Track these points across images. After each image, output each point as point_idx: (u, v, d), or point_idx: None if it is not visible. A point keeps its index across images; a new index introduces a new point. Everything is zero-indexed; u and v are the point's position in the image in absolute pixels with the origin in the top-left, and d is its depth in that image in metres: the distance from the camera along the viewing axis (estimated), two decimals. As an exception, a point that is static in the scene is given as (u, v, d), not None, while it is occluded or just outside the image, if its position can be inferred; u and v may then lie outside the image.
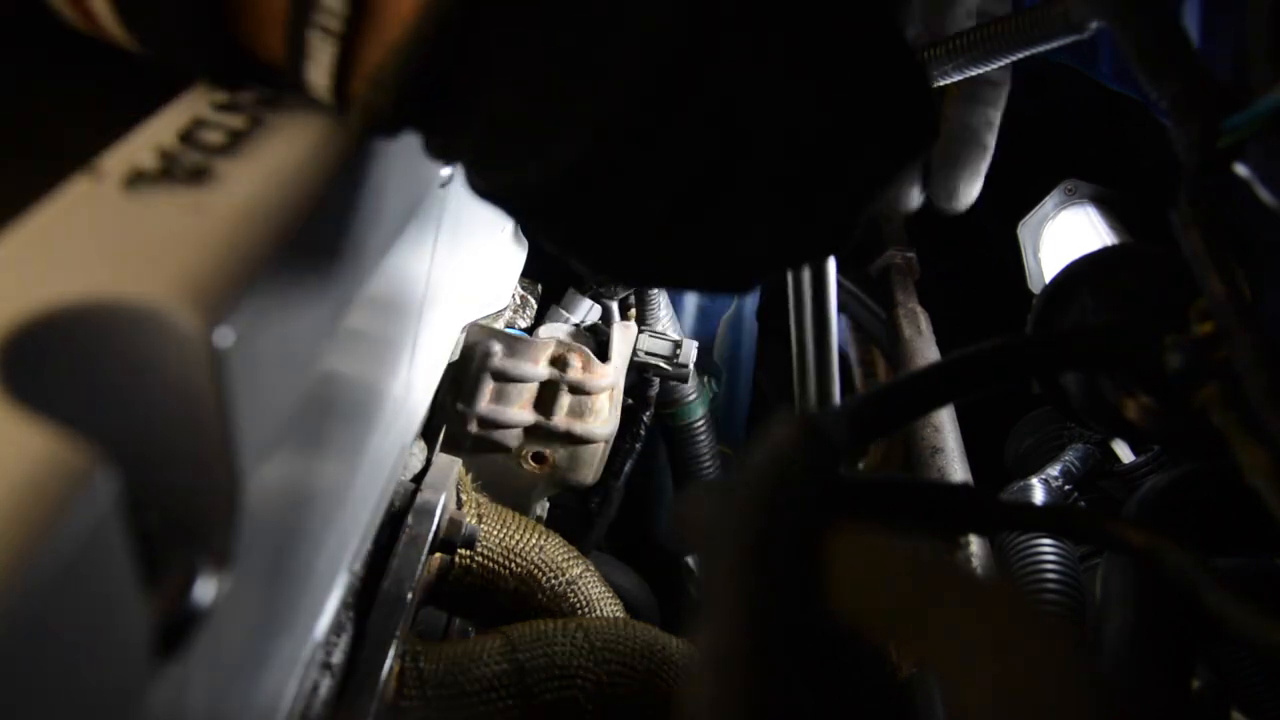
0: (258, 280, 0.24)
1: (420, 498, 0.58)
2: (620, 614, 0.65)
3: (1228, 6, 0.36)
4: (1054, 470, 0.71)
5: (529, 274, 0.85)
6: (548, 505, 0.80)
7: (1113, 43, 0.67)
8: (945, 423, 0.73)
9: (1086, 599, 0.58)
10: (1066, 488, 0.70)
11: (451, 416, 0.68)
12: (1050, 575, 0.58)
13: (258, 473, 0.26)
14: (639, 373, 0.86)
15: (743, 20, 0.26)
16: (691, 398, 1.01)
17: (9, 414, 0.18)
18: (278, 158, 0.27)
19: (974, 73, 0.59)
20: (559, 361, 0.71)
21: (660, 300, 1.01)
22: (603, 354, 0.78)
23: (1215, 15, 0.37)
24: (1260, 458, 0.26)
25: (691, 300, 1.12)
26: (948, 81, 0.60)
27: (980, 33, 0.56)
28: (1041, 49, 0.55)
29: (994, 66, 0.57)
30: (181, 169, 0.25)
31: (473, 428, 0.68)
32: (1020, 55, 0.56)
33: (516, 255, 0.80)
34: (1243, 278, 0.29)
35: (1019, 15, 0.54)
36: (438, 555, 0.60)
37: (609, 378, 0.73)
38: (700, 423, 1.03)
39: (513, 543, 0.63)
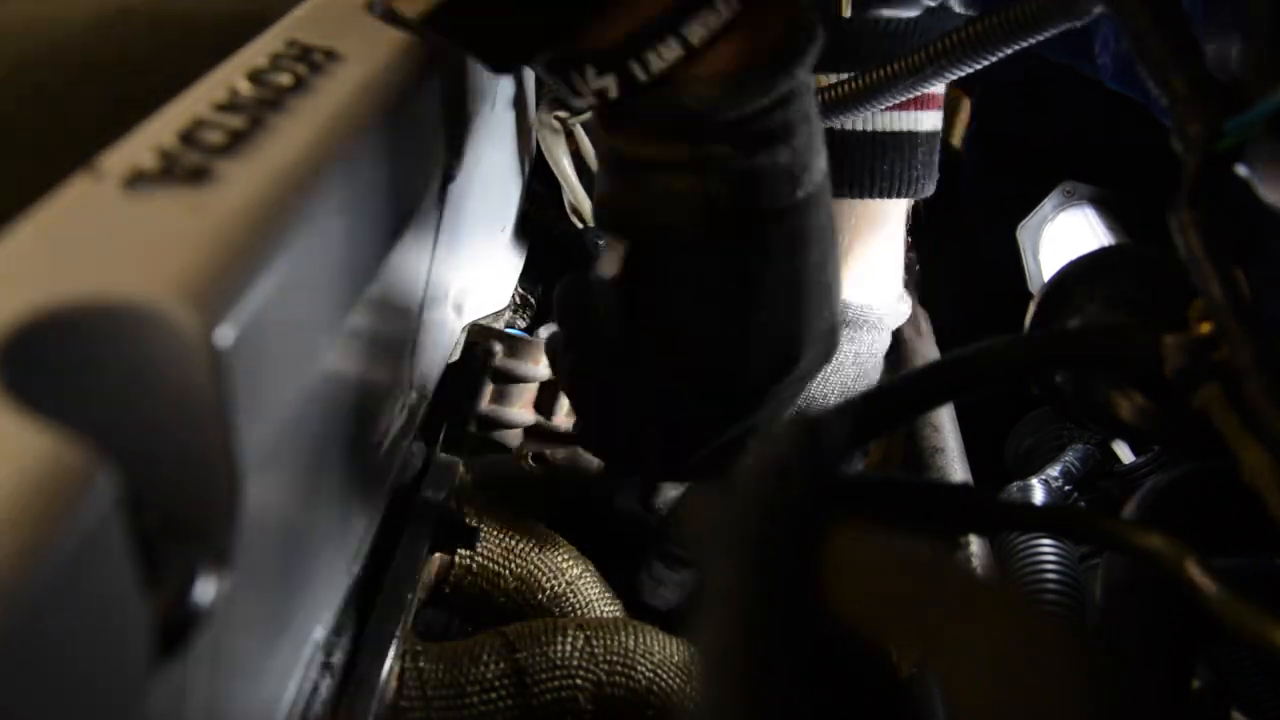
0: (258, 280, 0.24)
1: (420, 498, 0.58)
2: (620, 614, 0.65)
3: (1227, 5, 0.36)
4: (1054, 470, 0.71)
5: (529, 275, 0.85)
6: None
7: (1111, 42, 0.67)
8: (945, 423, 0.73)
9: (1086, 599, 0.58)
10: (1066, 488, 0.70)
11: (451, 417, 0.67)
12: (1050, 575, 0.58)
13: (258, 472, 0.26)
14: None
15: None
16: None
17: (9, 414, 0.18)
18: (278, 158, 0.27)
19: (978, 66, 0.58)
20: (559, 362, 0.71)
21: None
22: (602, 354, 0.77)
23: (1215, 13, 0.37)
24: (1260, 458, 0.26)
25: None
26: (953, 78, 0.60)
27: (982, 24, 0.55)
28: (1043, 36, 0.54)
29: (998, 57, 0.57)
30: (181, 169, 0.25)
31: (473, 428, 0.68)
32: (1022, 44, 0.56)
33: (516, 256, 0.80)
34: (1243, 279, 0.29)
35: (1023, 2, 0.53)
36: (437, 555, 0.60)
37: (609, 378, 0.73)
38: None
39: (513, 543, 0.63)
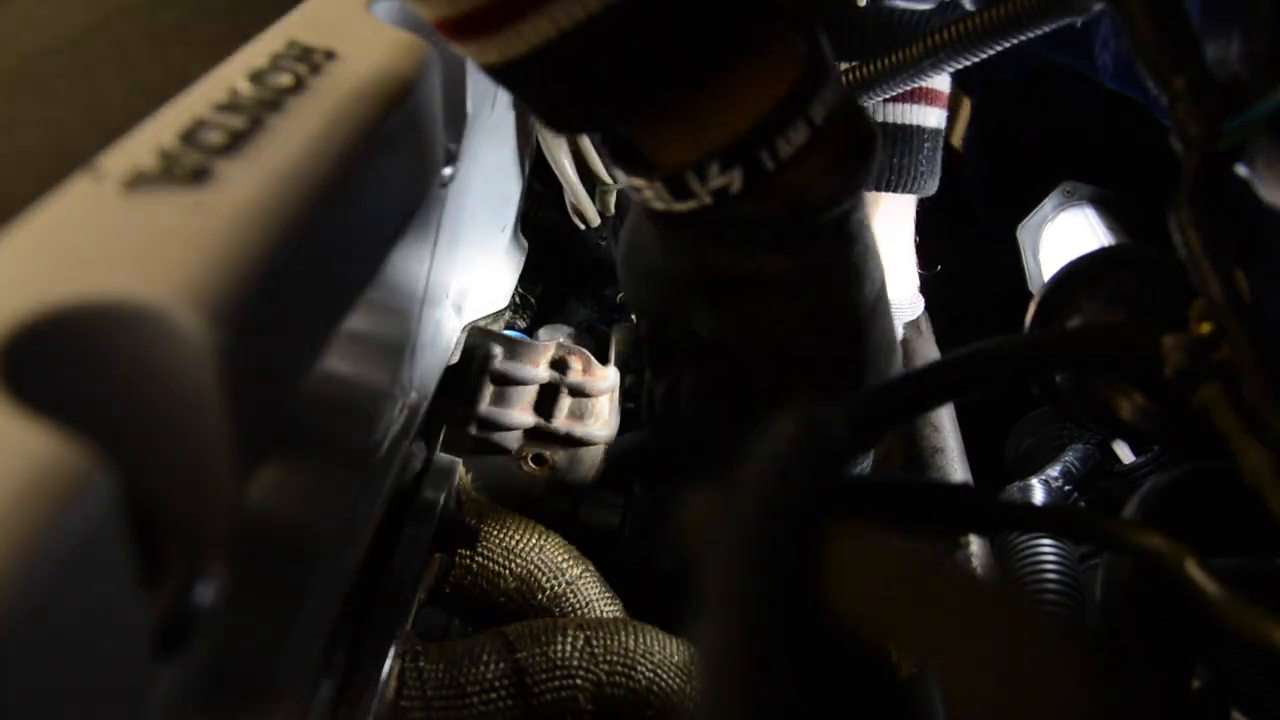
0: (258, 280, 0.24)
1: (420, 498, 0.58)
2: (620, 614, 0.65)
3: (1226, 5, 0.36)
4: (1054, 470, 0.71)
5: (529, 275, 0.85)
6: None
7: (1112, 41, 0.67)
8: (945, 423, 0.73)
9: (1086, 599, 0.58)
10: (1066, 488, 0.70)
11: (451, 418, 0.67)
12: (1050, 575, 0.58)
13: (258, 473, 0.26)
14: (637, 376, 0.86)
15: None
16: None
17: (9, 414, 0.18)
18: (278, 158, 0.27)
19: (977, 59, 0.58)
20: (559, 364, 0.71)
21: None
22: (603, 356, 0.77)
23: (1215, 13, 0.37)
24: (1260, 458, 0.26)
25: None
26: (951, 70, 0.60)
27: (981, 17, 0.55)
28: (1041, 30, 0.54)
29: (997, 50, 0.57)
30: (181, 169, 0.25)
31: (472, 430, 0.68)
32: (1021, 38, 0.56)
33: (516, 256, 0.80)
34: (1243, 279, 0.29)
35: None
36: (437, 555, 0.60)
37: (609, 380, 0.73)
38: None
39: (513, 543, 0.63)
